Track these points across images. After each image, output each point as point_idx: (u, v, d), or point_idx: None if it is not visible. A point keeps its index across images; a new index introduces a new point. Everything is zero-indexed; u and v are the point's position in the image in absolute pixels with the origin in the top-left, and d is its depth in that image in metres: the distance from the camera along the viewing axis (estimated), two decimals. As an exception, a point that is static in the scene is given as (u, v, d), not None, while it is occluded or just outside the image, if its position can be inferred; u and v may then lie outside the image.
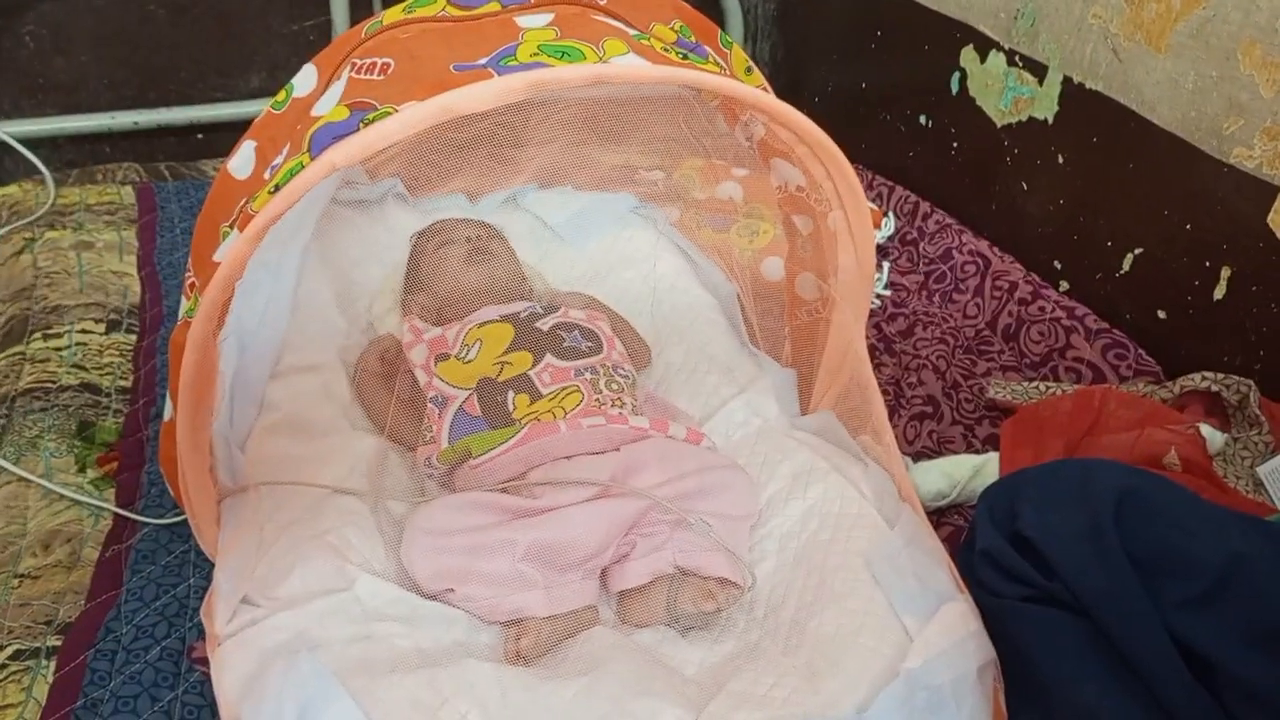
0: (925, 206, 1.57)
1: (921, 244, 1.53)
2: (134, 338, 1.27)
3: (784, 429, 1.07)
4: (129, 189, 1.61)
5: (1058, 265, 1.41)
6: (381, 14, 0.87)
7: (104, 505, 1.02)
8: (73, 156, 1.77)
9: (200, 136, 1.85)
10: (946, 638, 0.80)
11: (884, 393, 1.15)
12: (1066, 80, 1.36)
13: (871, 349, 1.29)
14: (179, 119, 1.78)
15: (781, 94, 0.98)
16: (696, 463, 0.95)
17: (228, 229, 0.81)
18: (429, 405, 1.02)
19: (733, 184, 1.36)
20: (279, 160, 0.80)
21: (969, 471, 1.08)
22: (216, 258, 0.79)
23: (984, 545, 0.86)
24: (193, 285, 0.86)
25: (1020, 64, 1.43)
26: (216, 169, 1.70)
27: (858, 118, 1.78)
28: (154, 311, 1.31)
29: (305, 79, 0.86)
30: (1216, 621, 0.77)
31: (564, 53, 0.77)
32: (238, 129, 1.76)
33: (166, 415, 0.91)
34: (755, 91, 0.82)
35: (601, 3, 0.90)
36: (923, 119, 1.63)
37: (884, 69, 1.72)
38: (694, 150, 1.16)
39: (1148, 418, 1.10)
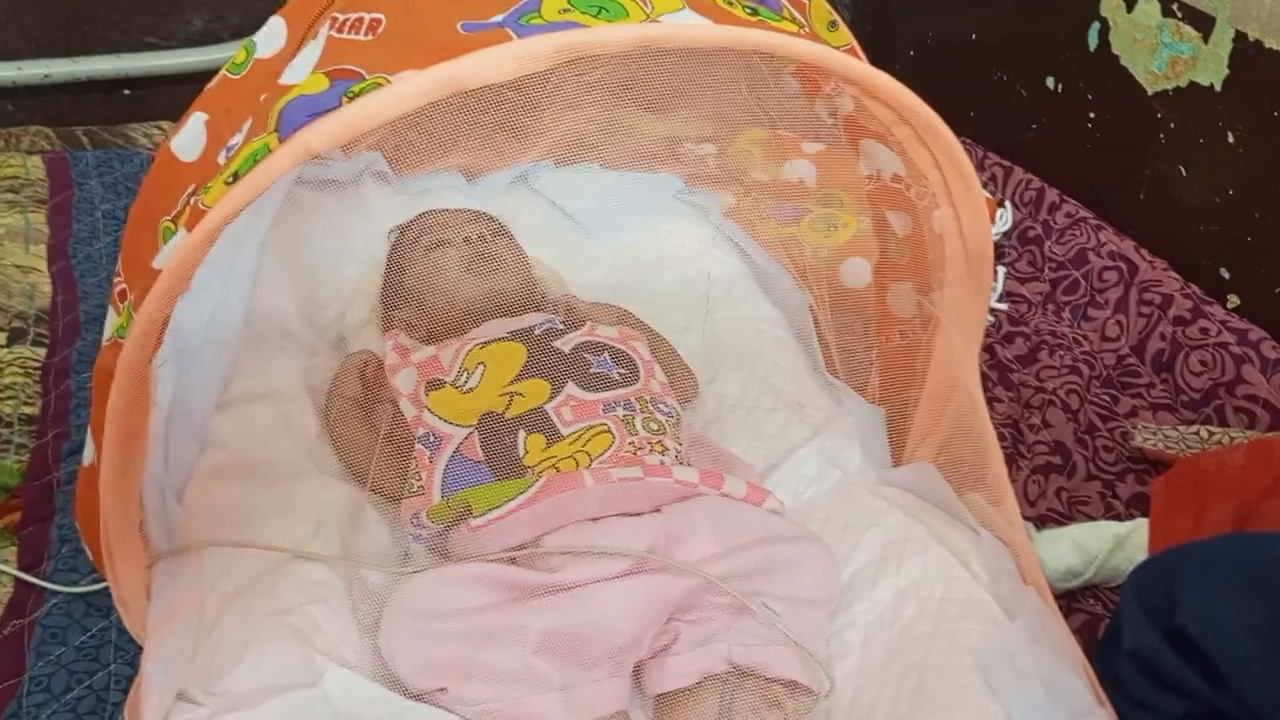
0: (1052, 195, 1.56)
1: (1047, 243, 1.52)
2: (42, 351, 1.29)
3: (870, 485, 1.07)
4: (37, 160, 1.64)
5: (1225, 274, 1.41)
6: (369, -46, 0.88)
7: (2, 568, 1.03)
8: (-34, 116, 1.80)
9: (127, 93, 1.86)
10: (1083, 766, 0.80)
11: (998, 437, 1.14)
12: (1240, 36, 1.35)
13: (983, 380, 1.28)
14: (101, 70, 1.79)
15: (866, 47, 1.00)
16: (760, 530, 0.95)
17: (170, 225, 0.82)
18: (417, 446, 1.02)
19: (804, 163, 1.37)
20: (237, 140, 0.80)
21: (1109, 543, 1.08)
22: (157, 264, 0.79)
23: (1132, 644, 0.85)
24: (123, 294, 0.87)
25: (1180, 14, 1.42)
26: (149, 137, 1.75)
27: (964, 79, 1.78)
28: (68, 318, 1.33)
29: (271, 36, 0.87)
30: None
31: (601, 9, 0.77)
32: (176, 85, 1.82)
33: (86, 459, 0.93)
34: (844, 58, 0.82)
35: (649, -57, 0.90)
36: (1050, 81, 1.63)
37: (999, 17, 1.72)
38: (755, 118, 1.17)
39: (1346, 477, 1.09)
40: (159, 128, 1.78)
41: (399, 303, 1.20)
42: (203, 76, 1.74)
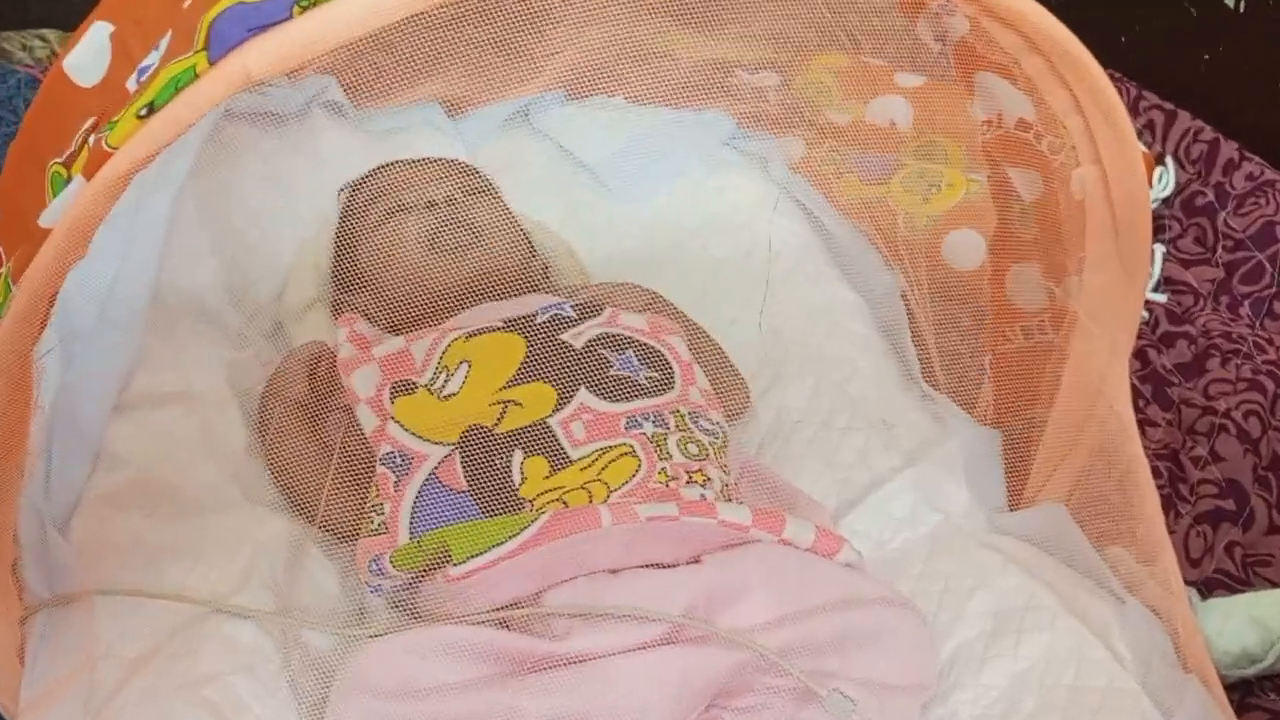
0: (1230, 150, 1.55)
1: (1222, 214, 1.51)
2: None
3: (980, 533, 1.07)
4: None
5: None
6: None
7: None
8: None
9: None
10: None
11: (1153, 473, 1.11)
12: None
13: (1133, 395, 1.25)
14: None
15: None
16: (832, 590, 0.95)
17: (62, 170, 0.82)
18: (379, 468, 1.02)
19: (898, 100, 1.37)
20: (152, 60, 0.80)
21: (1298, 619, 1.07)
22: (45, 221, 0.79)
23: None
24: None
25: None
26: (29, 50, 1.74)
27: (1113, -7, 1.77)
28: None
29: (197, -81, 0.86)
30: None
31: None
32: None
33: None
34: None
35: None
36: None
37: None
38: (832, 39, 1.16)
39: None
40: (41, 38, 1.77)
41: (351, 283, 1.20)
42: None
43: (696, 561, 0.95)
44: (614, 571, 0.93)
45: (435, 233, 1.18)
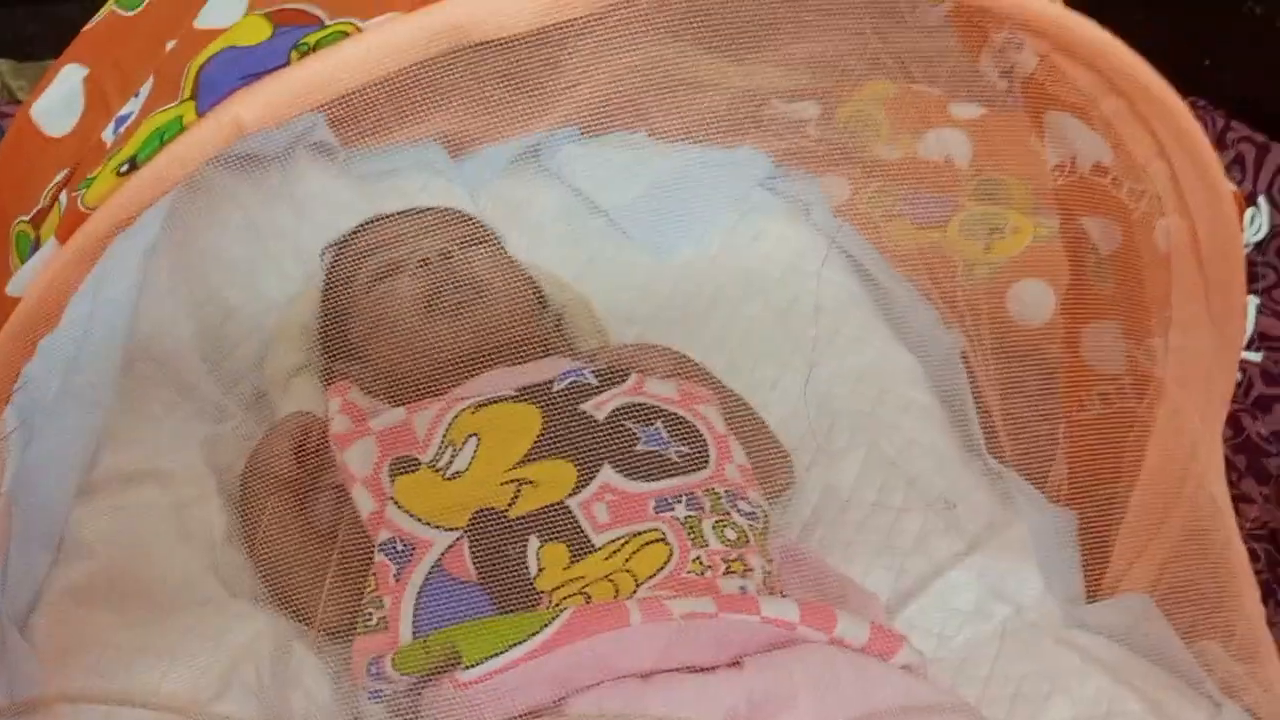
0: None
1: None
2: None
3: (1056, 628, 1.08)
4: None
5: None
6: None
7: None
8: None
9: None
10: None
11: (1250, 556, 1.11)
12: None
13: (1225, 468, 1.24)
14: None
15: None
16: (891, 697, 0.95)
17: (28, 230, 0.83)
18: (378, 556, 1.03)
19: (955, 133, 1.38)
20: (132, 108, 0.81)
21: None
22: (12, 289, 0.81)
23: None
24: None
25: None
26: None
27: (1189, 10, 1.77)
28: None
29: (183, -47, 0.88)
30: None
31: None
32: (15, 7, 1.81)
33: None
34: None
35: None
36: None
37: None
38: (878, 64, 1.19)
39: None
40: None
41: (343, 353, 1.21)
42: None
43: (737, 665, 0.95)
44: (644, 676, 0.93)
45: (431, 293, 1.19)
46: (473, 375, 1.13)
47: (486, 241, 1.26)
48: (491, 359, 1.15)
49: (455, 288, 1.19)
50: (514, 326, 1.20)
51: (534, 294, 1.27)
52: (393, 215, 1.29)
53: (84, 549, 1.06)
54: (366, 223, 1.29)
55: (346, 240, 1.28)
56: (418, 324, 1.18)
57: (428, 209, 1.30)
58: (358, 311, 1.21)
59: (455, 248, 1.23)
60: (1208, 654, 1.02)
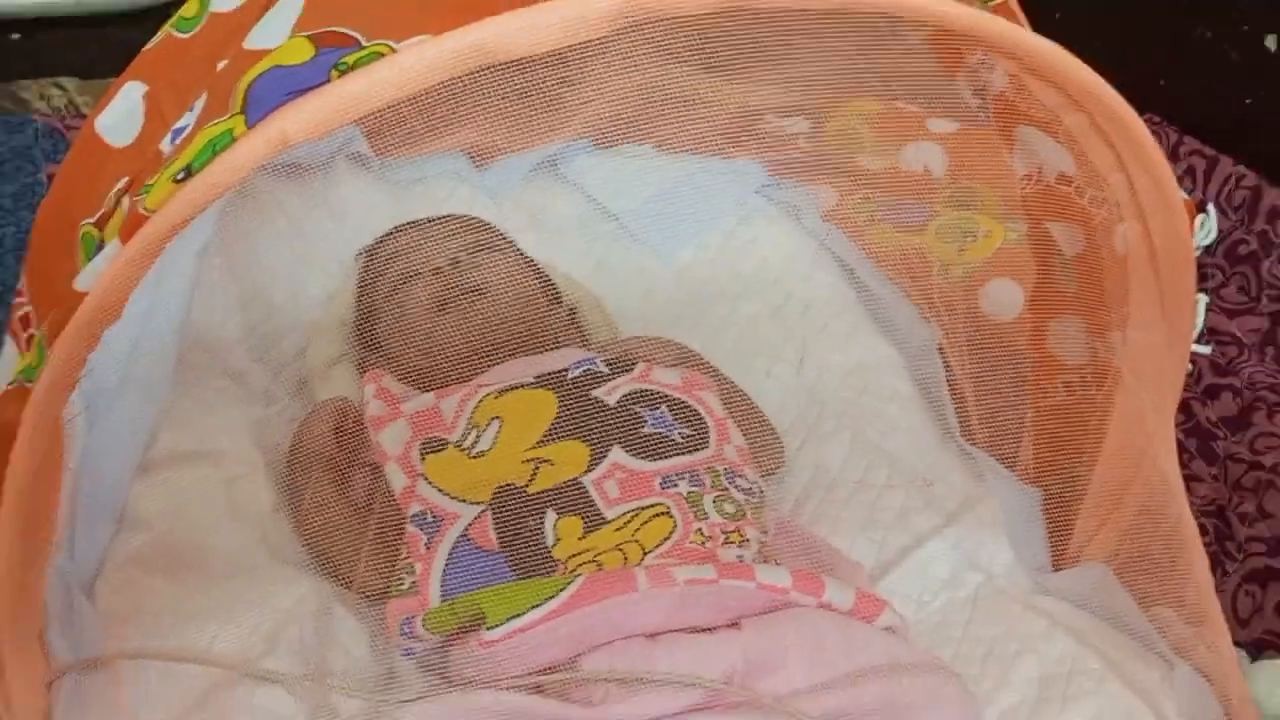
0: (1273, 196, 1.56)
1: (1266, 262, 1.52)
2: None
3: (1023, 594, 1.07)
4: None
5: None
6: None
7: None
8: None
9: (16, 38, 1.86)
10: None
11: (1199, 530, 1.11)
12: None
13: (1177, 451, 1.26)
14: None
15: (1019, -6, 1.00)
16: (874, 656, 0.95)
17: (94, 231, 0.83)
18: (409, 528, 1.02)
19: (932, 146, 1.36)
20: (187, 122, 0.81)
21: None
22: (80, 285, 0.80)
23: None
24: (27, 320, 0.88)
25: None
26: (47, 99, 1.75)
27: (1148, 33, 1.77)
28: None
29: (231, -16, 0.88)
30: None
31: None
32: (80, 29, 1.81)
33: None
34: (1001, 23, 0.83)
35: None
36: (1271, 41, 1.63)
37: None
38: (864, 84, 1.17)
39: None
40: (59, 86, 1.79)
41: (373, 346, 1.21)
42: (113, 20, 1.78)
43: (735, 626, 0.94)
44: (651, 636, 0.93)
45: (442, 297, 1.19)
46: (495, 364, 1.13)
47: (496, 247, 1.26)
48: (511, 350, 1.15)
49: (462, 292, 1.19)
50: (527, 321, 1.19)
51: (548, 291, 1.26)
52: (414, 223, 1.29)
53: (142, 522, 1.06)
54: (391, 231, 1.28)
55: (374, 247, 1.28)
56: (430, 326, 1.18)
57: (446, 216, 1.30)
58: (382, 313, 1.22)
59: (465, 254, 1.23)
60: (1161, 618, 1.02)
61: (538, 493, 1.01)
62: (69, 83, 1.79)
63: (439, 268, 1.21)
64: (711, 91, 1.31)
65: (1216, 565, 1.18)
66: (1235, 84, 1.68)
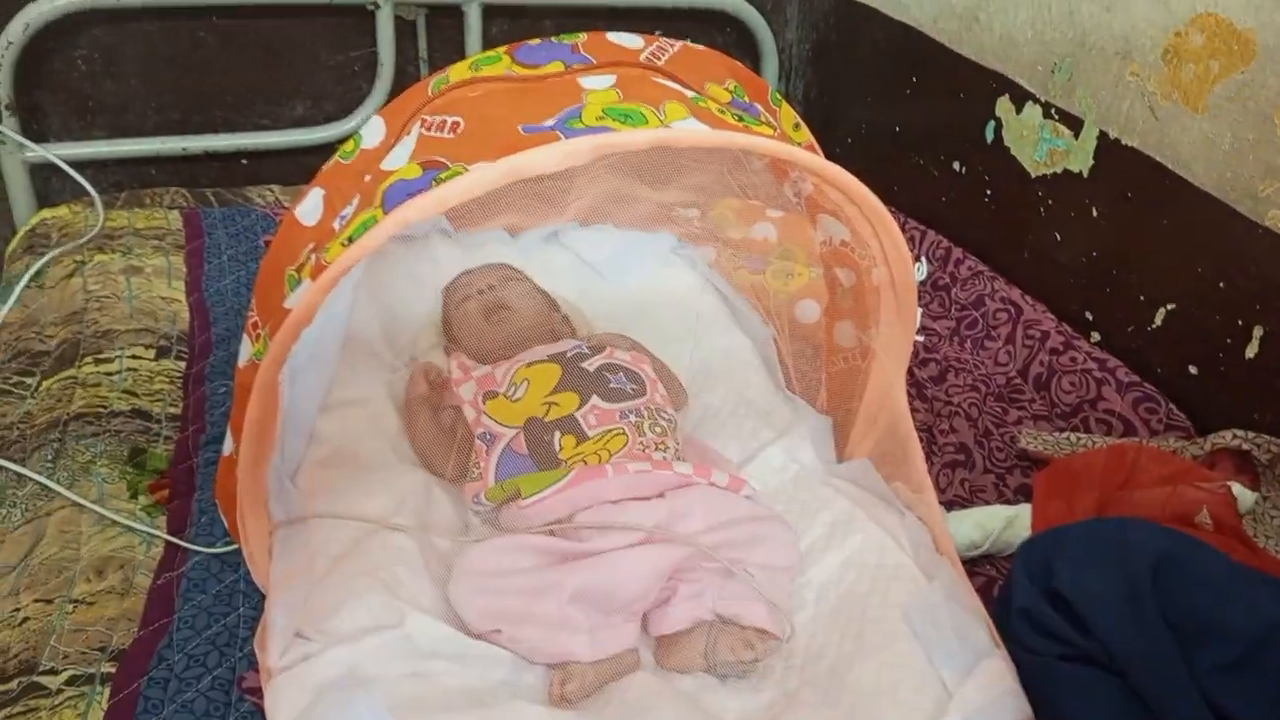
0: (958, 253, 1.57)
1: (954, 290, 1.53)
2: (183, 364, 1.29)
3: (821, 476, 1.08)
4: (176, 214, 1.64)
5: (1089, 316, 1.42)
6: (448, 70, 0.89)
7: (156, 533, 1.03)
8: (120, 178, 1.80)
9: (245, 162, 1.87)
10: (985, 694, 0.81)
11: (919, 439, 1.13)
12: (1102, 135, 1.37)
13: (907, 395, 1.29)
14: (225, 145, 1.80)
15: (816, 133, 1.01)
16: (739, 511, 0.96)
17: (295, 274, 0.83)
18: (477, 442, 1.03)
19: (767, 224, 1.38)
20: (348, 210, 0.81)
21: (1001, 523, 1.08)
22: (289, 304, 0.80)
23: (1022, 603, 0.87)
24: (255, 325, 0.88)
25: (1056, 116, 1.44)
26: (263, 196, 1.75)
27: (891, 160, 1.79)
28: (202, 338, 1.33)
29: (373, 131, 0.88)
30: (1250, 687, 0.78)
31: (627, 115, 0.79)
32: (282, 157, 1.84)
33: (226, 449, 0.93)
34: (810, 156, 0.84)
35: (660, 64, 0.92)
36: (957, 165, 1.64)
37: (918, 113, 1.74)
38: (730, 190, 1.18)
39: (1179, 475, 1.11)
40: (270, 189, 1.79)
41: (452, 341, 1.21)
42: (304, 151, 1.81)
43: (661, 496, 0.96)
44: (614, 502, 0.95)
45: (485, 310, 1.18)
46: (524, 349, 1.13)
47: (516, 279, 1.25)
48: (532, 341, 1.15)
49: (496, 307, 1.18)
50: (539, 324, 1.19)
51: (551, 306, 1.25)
52: (471, 270, 1.27)
53: (323, 439, 1.07)
54: (461, 274, 1.27)
55: (451, 284, 1.27)
56: (482, 327, 1.17)
57: (491, 264, 1.28)
58: (455, 319, 1.21)
59: (497, 283, 1.22)
60: (898, 489, 1.03)
61: (550, 421, 1.02)
62: (275, 188, 1.79)
63: (481, 291, 1.20)
64: (645, 193, 1.34)
65: (928, 459, 1.18)
66: (937, 190, 1.69)
